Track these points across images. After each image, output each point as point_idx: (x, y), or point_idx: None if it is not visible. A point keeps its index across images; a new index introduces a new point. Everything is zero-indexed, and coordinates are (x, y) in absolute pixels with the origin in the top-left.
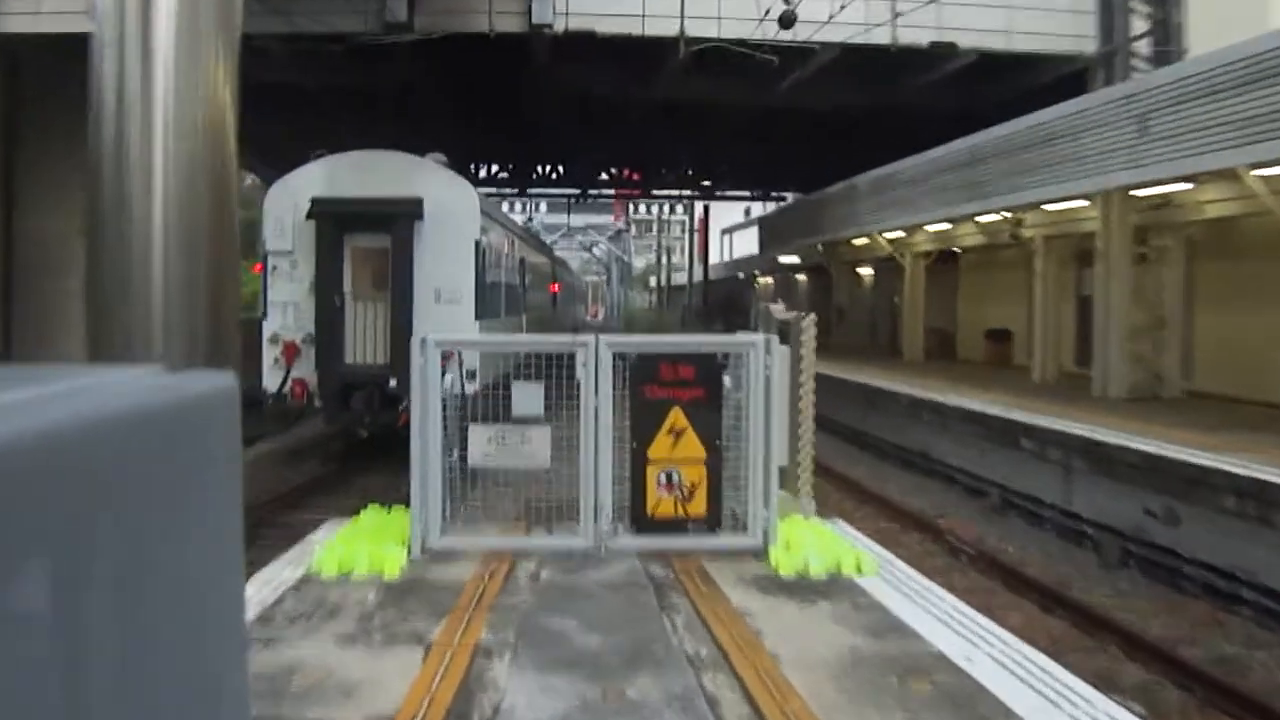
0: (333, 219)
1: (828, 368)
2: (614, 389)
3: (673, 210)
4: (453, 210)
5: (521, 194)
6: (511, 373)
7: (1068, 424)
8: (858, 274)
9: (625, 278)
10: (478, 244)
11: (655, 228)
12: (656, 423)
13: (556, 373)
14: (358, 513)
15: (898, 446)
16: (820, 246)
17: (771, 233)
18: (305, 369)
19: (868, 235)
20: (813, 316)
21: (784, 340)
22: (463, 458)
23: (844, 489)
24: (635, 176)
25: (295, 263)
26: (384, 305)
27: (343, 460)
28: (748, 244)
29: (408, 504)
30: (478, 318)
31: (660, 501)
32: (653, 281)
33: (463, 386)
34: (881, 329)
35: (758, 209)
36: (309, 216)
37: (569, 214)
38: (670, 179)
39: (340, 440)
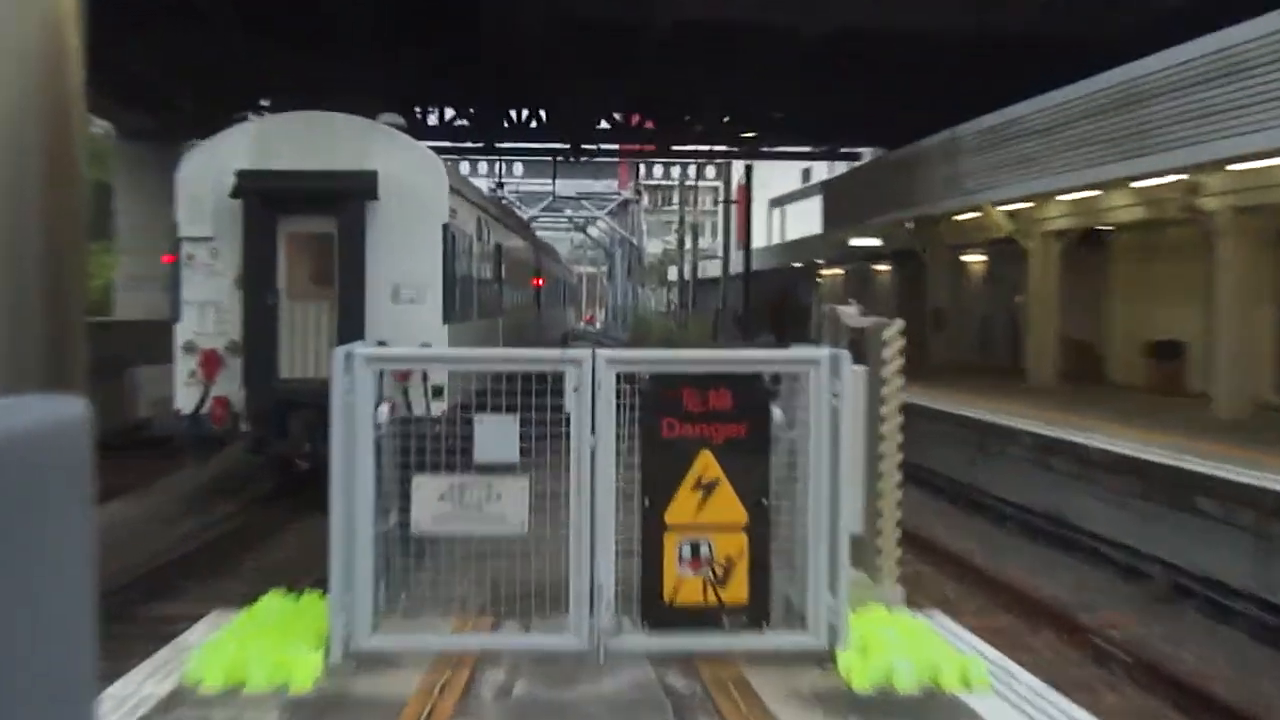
0: (264, 197)
1: (921, 395)
2: (618, 425)
3: (701, 174)
4: (414, 187)
5: (487, 151)
6: (487, 395)
7: (1267, 476)
8: (963, 264)
9: (634, 268)
10: (446, 229)
11: (677, 198)
12: (679, 472)
13: (537, 402)
14: (255, 599)
15: (1021, 507)
16: (910, 225)
17: (840, 205)
18: (229, 385)
19: (977, 208)
20: (899, 324)
21: (858, 357)
22: (404, 523)
23: (945, 567)
24: (648, 125)
25: (216, 251)
26: (328, 305)
27: (264, 508)
28: (807, 221)
29: (325, 588)
30: (446, 321)
31: (683, 584)
32: (672, 274)
33: (427, 406)
34: (997, 341)
35: (820, 172)
36: (234, 194)
37: (554, 178)
38: (698, 130)
39: (269, 478)
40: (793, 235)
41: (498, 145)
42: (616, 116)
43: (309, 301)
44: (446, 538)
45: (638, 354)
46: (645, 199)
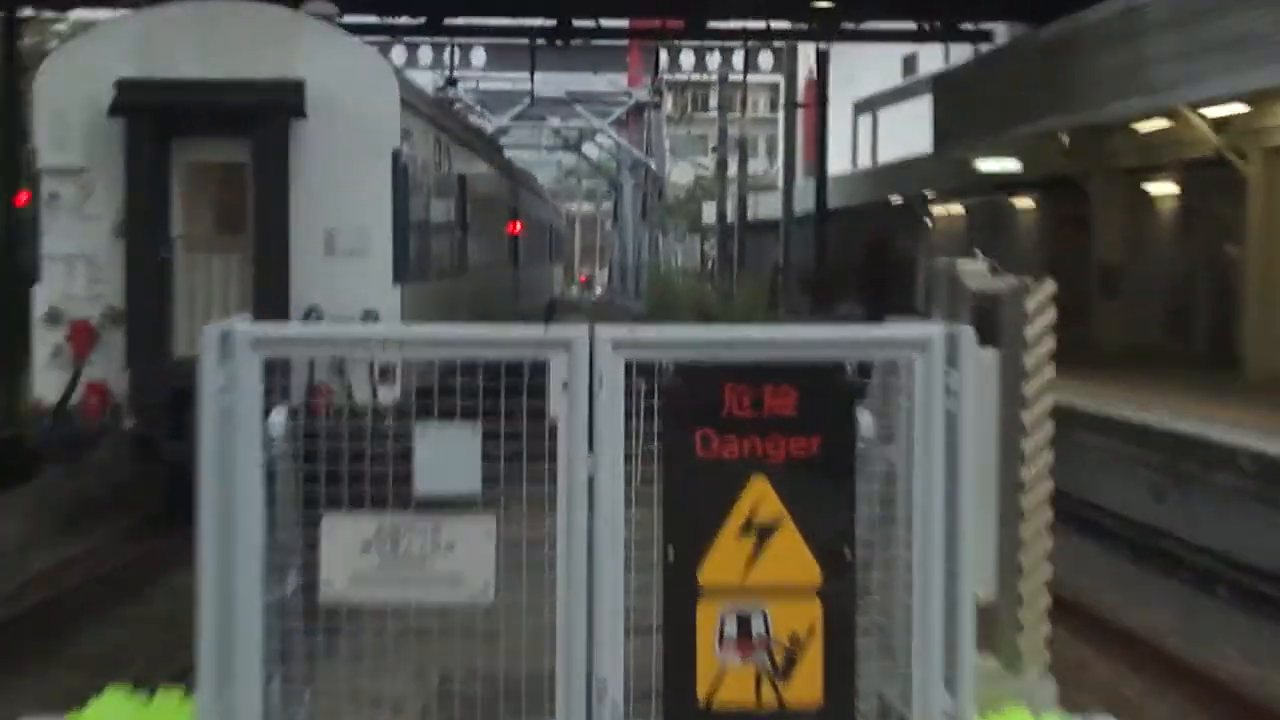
0: (154, 115)
1: (1082, 393)
2: (629, 439)
3: (752, 65)
4: (355, 101)
5: (431, 29)
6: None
7: None
8: (1146, 197)
9: (652, 206)
10: (397, 157)
11: (715, 100)
12: (719, 509)
13: (509, 405)
14: (86, 701)
15: (1240, 563)
16: (1065, 139)
17: (961, 110)
18: (108, 366)
19: (1169, 113)
20: (1049, 287)
21: (986, 337)
22: (309, 586)
23: (1119, 651)
24: None
25: (88, 188)
26: (239, 259)
27: (134, 544)
28: (909, 134)
29: (189, 686)
30: (399, 280)
31: (726, 676)
32: (709, 214)
33: (373, 392)
34: (1198, 312)
35: (930, 61)
36: (112, 111)
37: (532, 72)
38: None
39: (153, 496)
40: (888, 156)
41: (447, 22)
42: None
43: (214, 254)
44: (373, 608)
45: (658, 333)
46: (669, 102)
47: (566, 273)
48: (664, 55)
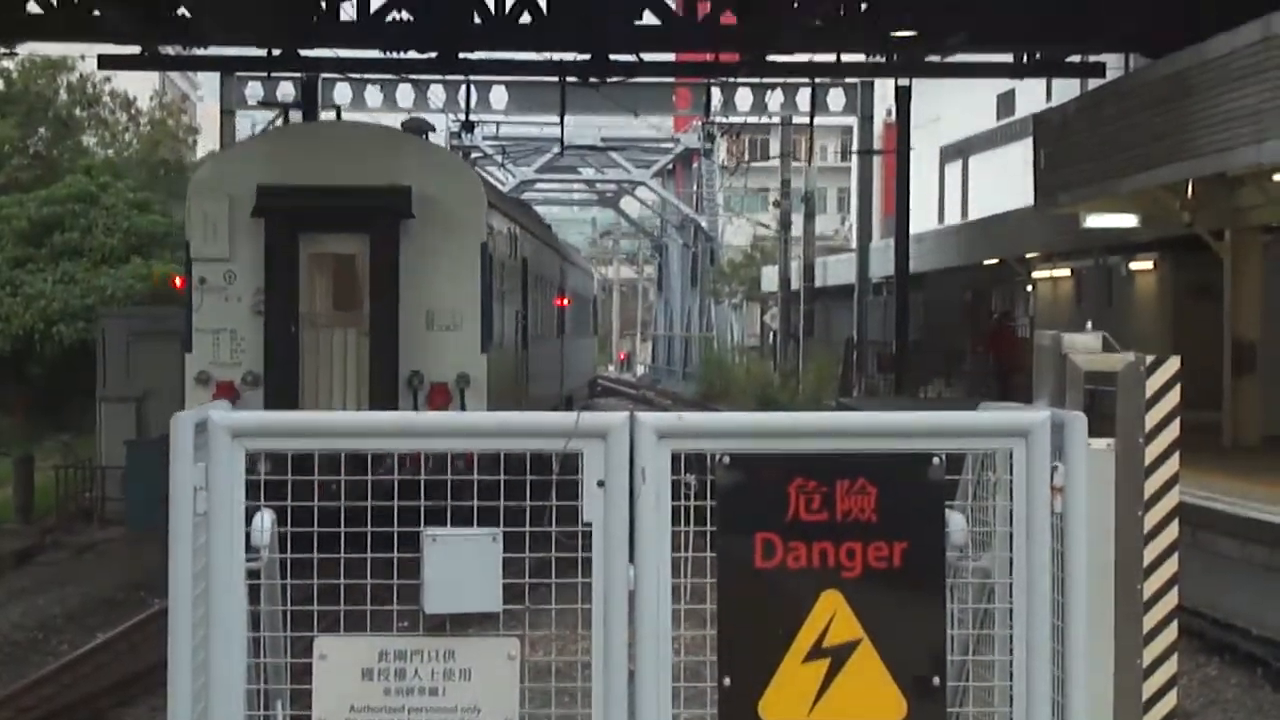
0: (286, 215)
1: (1212, 490)
2: (676, 546)
3: (820, 105)
4: (451, 202)
5: (444, 64)
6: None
7: None
8: None
9: (703, 270)
10: (484, 248)
11: (776, 146)
12: (784, 630)
13: (534, 505)
14: None
15: None
16: (1189, 190)
17: (1065, 157)
18: None
19: None
20: (1174, 363)
21: (1099, 424)
22: None
23: None
24: (727, 19)
25: (232, 275)
26: (357, 333)
27: None
28: (1007, 185)
29: None
30: (485, 350)
31: None
32: (769, 278)
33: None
34: None
35: (1028, 99)
36: (255, 212)
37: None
38: (813, 26)
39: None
40: (981, 210)
41: (462, 57)
42: (669, 2)
43: (333, 328)
44: None
45: (710, 419)
46: (722, 150)
47: (602, 348)
48: (716, 95)
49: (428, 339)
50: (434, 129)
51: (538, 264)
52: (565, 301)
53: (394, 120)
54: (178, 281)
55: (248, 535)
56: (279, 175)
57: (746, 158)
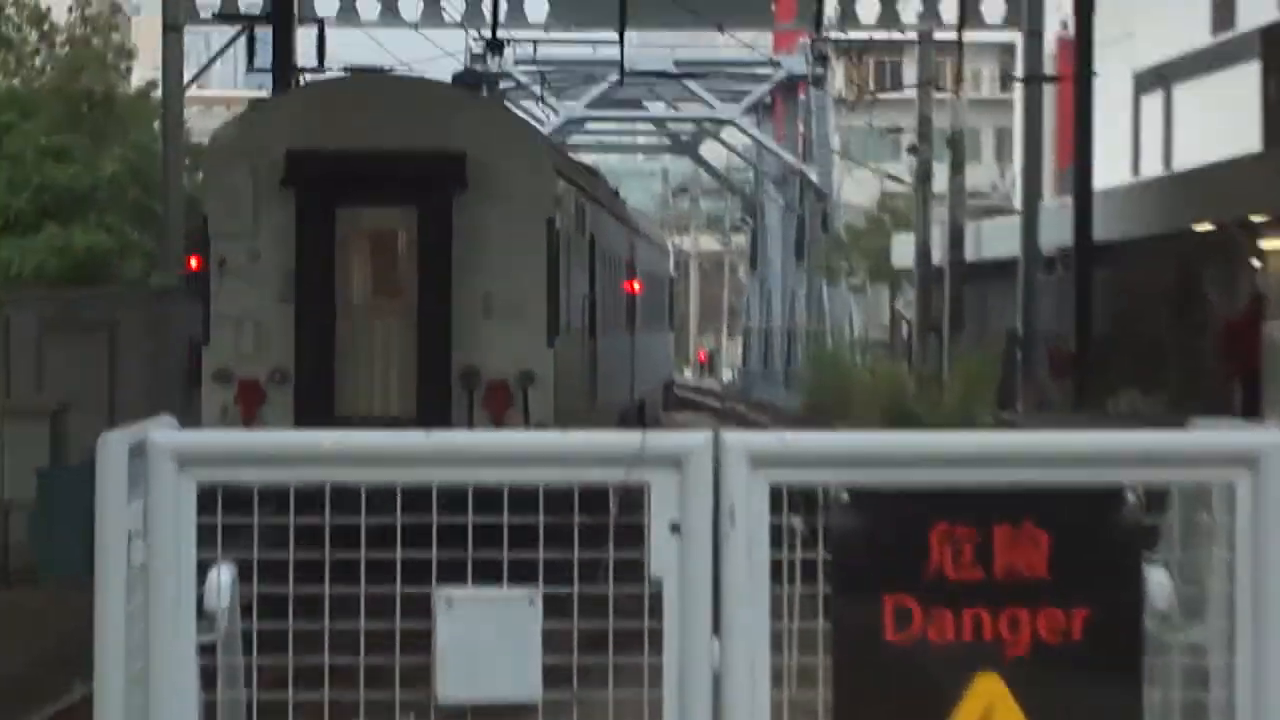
0: (320, 184)
1: None
2: (776, 614)
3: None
4: (511, 171)
5: None
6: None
7: None
8: None
9: (813, 237)
10: (551, 224)
11: (913, 72)
12: None
13: (584, 557)
14: None
15: None
16: None
17: None
18: (276, 424)
19: None
20: None
21: None
22: None
23: None
24: None
25: (257, 254)
26: (403, 321)
27: None
28: (1226, 121)
29: None
30: (552, 343)
31: None
32: (902, 250)
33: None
34: None
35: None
36: (284, 181)
37: (622, 32)
38: None
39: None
40: (1190, 157)
41: None
42: None
43: (377, 317)
44: None
45: (822, 441)
46: (838, 77)
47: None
48: (830, 3)
49: (485, 329)
50: (488, 82)
51: (606, 241)
52: (637, 286)
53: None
54: (193, 263)
55: (200, 597)
56: (312, 139)
57: (872, 87)
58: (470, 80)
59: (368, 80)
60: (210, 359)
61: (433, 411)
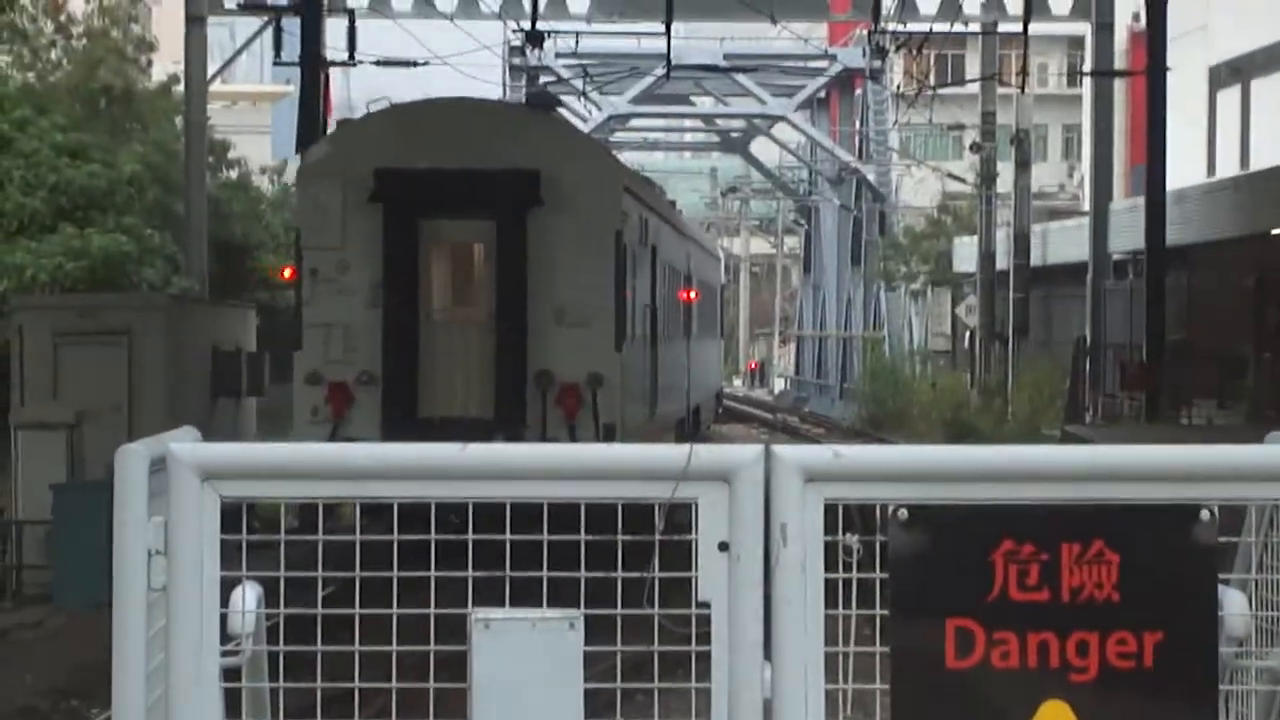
0: (405, 199)
1: None
2: (831, 636)
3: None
4: (583, 188)
5: None
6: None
7: None
8: None
9: (870, 239)
10: (619, 236)
11: (975, 66)
12: None
13: (627, 571)
14: None
15: None
16: None
17: None
18: (362, 424)
19: None
20: None
21: None
22: None
23: None
24: None
25: (345, 265)
26: (482, 327)
27: None
28: None
29: None
30: (618, 347)
31: None
32: (964, 254)
33: None
34: None
35: None
36: (372, 197)
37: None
38: None
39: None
40: (1269, 155)
41: None
42: None
43: (454, 324)
44: None
45: (879, 457)
46: (896, 71)
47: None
48: None
49: (557, 335)
50: (562, 103)
51: (666, 252)
52: (693, 294)
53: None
54: (287, 273)
55: (224, 619)
56: (397, 158)
57: (932, 82)
58: (543, 102)
59: (449, 103)
60: (302, 362)
61: (509, 412)
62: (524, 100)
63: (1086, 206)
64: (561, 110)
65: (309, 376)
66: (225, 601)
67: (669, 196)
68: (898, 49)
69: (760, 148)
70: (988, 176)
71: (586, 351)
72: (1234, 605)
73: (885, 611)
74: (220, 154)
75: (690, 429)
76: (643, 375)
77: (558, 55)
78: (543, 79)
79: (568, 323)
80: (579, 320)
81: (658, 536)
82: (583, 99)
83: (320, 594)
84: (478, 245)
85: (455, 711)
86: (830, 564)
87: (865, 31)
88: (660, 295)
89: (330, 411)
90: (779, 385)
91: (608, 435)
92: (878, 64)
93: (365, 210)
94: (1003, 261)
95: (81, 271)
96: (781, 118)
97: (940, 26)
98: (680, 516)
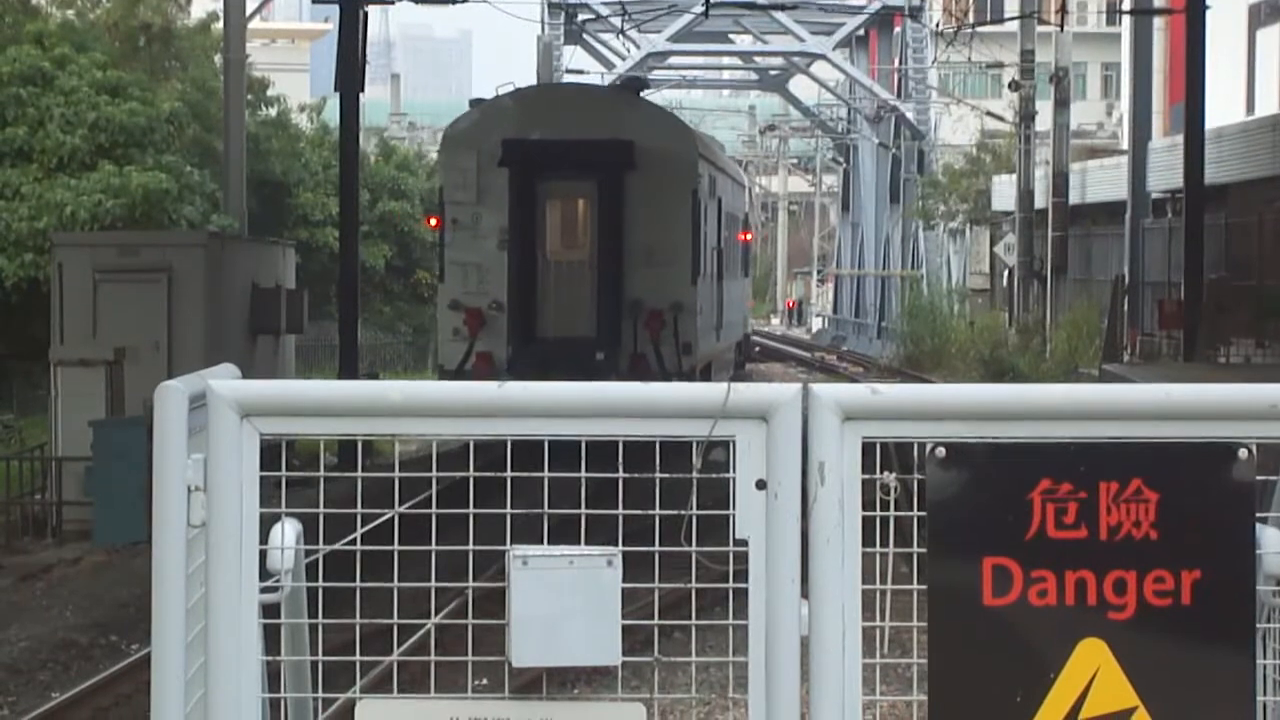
0: (527, 164)
1: None
2: (868, 574)
3: None
4: (667, 156)
5: None
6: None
7: None
8: None
9: (909, 178)
10: (695, 193)
11: (1012, 2)
12: (1025, 694)
13: (665, 509)
14: None
15: None
16: None
17: None
18: (492, 342)
19: None
20: None
21: None
22: None
23: None
24: None
25: (478, 216)
26: (586, 266)
27: None
28: None
29: None
30: (694, 282)
31: None
32: (1003, 193)
33: (678, 362)
34: None
35: None
36: (501, 162)
37: None
38: None
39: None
40: None
41: None
42: None
43: (564, 262)
44: None
45: (917, 394)
46: (936, 8)
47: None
48: None
49: (646, 272)
50: (649, 84)
51: (728, 202)
52: (748, 236)
53: None
54: (432, 222)
55: (263, 556)
56: (520, 131)
57: (972, 19)
58: (635, 86)
59: (561, 87)
60: (445, 292)
61: (608, 333)
62: (617, 82)
63: (1125, 145)
64: (644, 88)
65: (451, 304)
66: (264, 538)
67: (724, 146)
68: None
69: (799, 85)
70: (1026, 115)
71: (669, 285)
72: (1271, 544)
73: (923, 550)
74: (259, 92)
75: (747, 349)
76: (711, 304)
77: None
78: (580, 16)
79: (654, 262)
80: (663, 260)
81: (695, 474)
82: (621, 36)
83: (359, 531)
84: (583, 200)
85: (493, 649)
86: (868, 502)
87: None
88: (724, 238)
89: (467, 331)
90: (817, 324)
91: (685, 351)
92: (917, 1)
93: (495, 172)
94: (1041, 200)
95: (121, 209)
96: (820, 55)
97: None
98: (718, 454)
